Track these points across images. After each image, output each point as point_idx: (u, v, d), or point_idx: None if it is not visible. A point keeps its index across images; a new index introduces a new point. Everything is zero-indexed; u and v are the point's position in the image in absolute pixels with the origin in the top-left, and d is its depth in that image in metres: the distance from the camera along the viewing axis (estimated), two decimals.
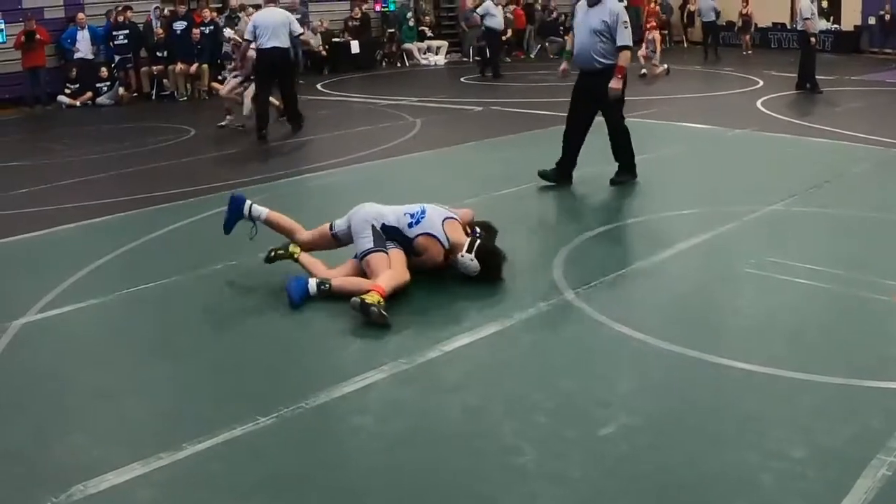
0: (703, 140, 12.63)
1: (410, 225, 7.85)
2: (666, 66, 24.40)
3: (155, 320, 7.45)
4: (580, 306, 7.24)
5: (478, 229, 8.18)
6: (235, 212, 8.38)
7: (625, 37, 10.95)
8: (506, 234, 8.60)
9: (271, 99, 16.81)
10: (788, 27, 31.47)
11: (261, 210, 8.33)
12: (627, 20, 11.03)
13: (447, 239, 7.87)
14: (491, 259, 7.88)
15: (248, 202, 8.40)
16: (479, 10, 26.23)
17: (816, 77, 20.11)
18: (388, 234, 7.82)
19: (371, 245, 7.70)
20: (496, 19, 25.59)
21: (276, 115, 17.00)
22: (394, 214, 7.92)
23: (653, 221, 9.87)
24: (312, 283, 7.51)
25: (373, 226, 7.79)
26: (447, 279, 7.94)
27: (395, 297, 7.38)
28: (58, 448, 5.32)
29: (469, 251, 7.82)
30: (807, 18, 19.90)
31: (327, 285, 7.49)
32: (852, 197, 10.49)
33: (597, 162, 12.34)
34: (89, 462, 5.08)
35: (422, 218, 7.89)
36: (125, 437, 5.42)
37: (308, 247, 8.04)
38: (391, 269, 7.53)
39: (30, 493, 4.81)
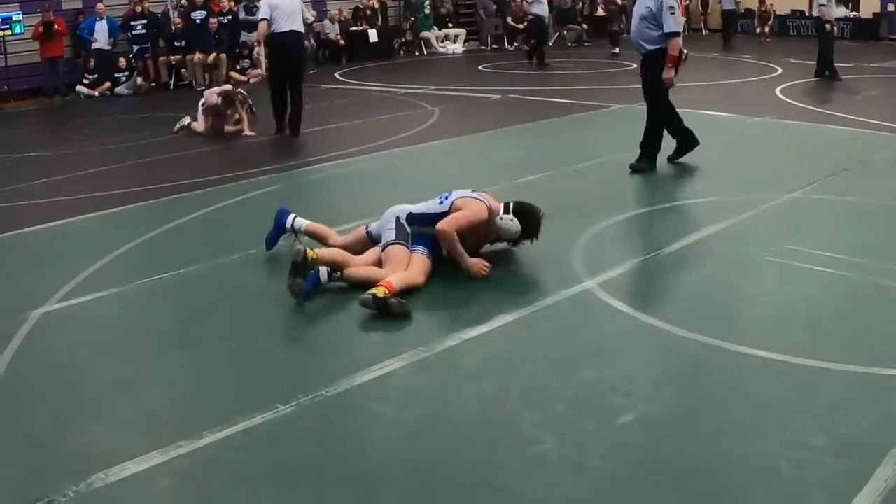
0: (722, 128, 12.59)
1: (441, 202, 7.91)
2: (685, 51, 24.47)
3: (174, 310, 7.47)
4: (599, 295, 7.22)
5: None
6: (280, 226, 8.37)
7: (671, 23, 10.99)
8: None
9: None
10: (807, 14, 31.34)
11: (302, 222, 8.33)
12: (674, 6, 11.04)
13: (483, 198, 7.93)
14: (531, 216, 7.92)
15: (292, 215, 8.38)
16: None
17: (835, 64, 20.02)
18: (419, 221, 7.79)
19: (393, 237, 7.70)
20: (542, 6, 25.33)
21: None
22: (422, 204, 7.97)
23: (672, 209, 9.85)
24: (323, 272, 7.50)
25: (398, 218, 7.79)
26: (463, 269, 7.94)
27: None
28: (77, 437, 5.34)
29: (506, 212, 7.87)
30: (822, 5, 19.91)
31: (339, 273, 7.49)
32: (871, 185, 10.44)
33: (616, 150, 12.34)
34: (109, 451, 5.10)
35: (449, 195, 7.96)
36: (144, 426, 5.44)
37: (345, 249, 8.00)
38: (408, 271, 7.53)
39: (50, 481, 4.82)
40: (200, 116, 15.93)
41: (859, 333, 6.45)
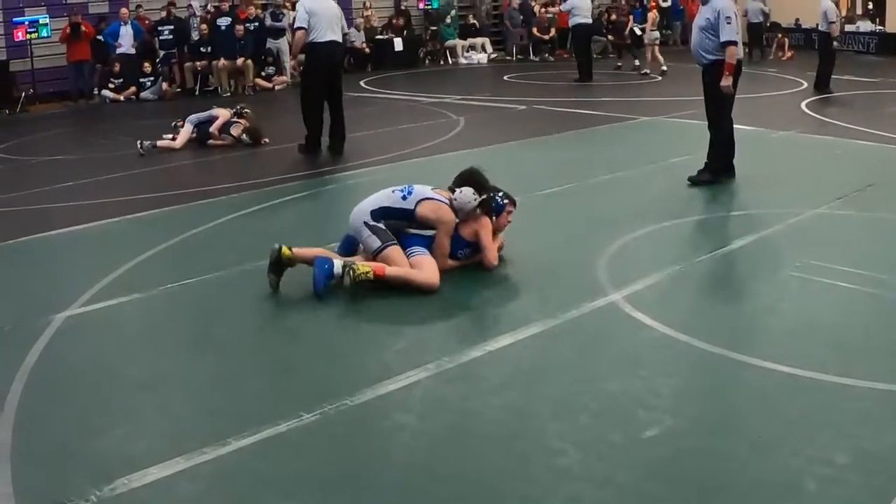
0: (746, 141, 12.53)
1: (404, 198, 7.96)
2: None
3: (198, 315, 7.48)
4: (624, 307, 7.21)
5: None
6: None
7: (727, 32, 10.98)
8: (550, 234, 8.61)
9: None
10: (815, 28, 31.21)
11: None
12: (731, 16, 11.02)
13: (443, 198, 8.01)
14: (470, 175, 8.19)
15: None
16: (563, 6, 25.88)
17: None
18: (390, 216, 7.89)
19: (380, 243, 7.79)
20: (585, 15, 24.64)
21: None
22: (380, 195, 8.05)
23: (697, 223, 9.84)
24: (338, 265, 7.57)
25: (365, 223, 7.86)
26: (489, 279, 7.95)
27: (436, 296, 7.51)
28: (101, 441, 5.34)
29: (457, 186, 8.09)
30: (832, 22, 19.97)
31: (347, 267, 7.50)
32: None
33: (642, 162, 12.34)
34: (133, 455, 5.10)
35: (412, 190, 8.02)
36: (169, 431, 5.45)
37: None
38: (415, 269, 7.67)
39: (74, 485, 4.83)
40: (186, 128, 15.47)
41: (884, 350, 6.41)
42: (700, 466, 4.94)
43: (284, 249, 7.68)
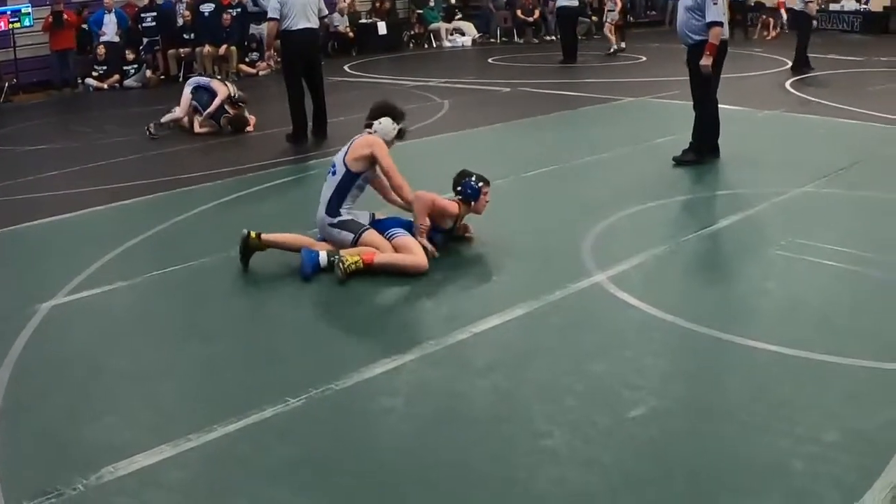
0: (731, 121, 12.54)
1: (333, 173, 8.09)
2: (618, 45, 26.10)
3: (184, 303, 7.47)
4: (609, 288, 7.21)
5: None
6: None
7: (713, 13, 10.97)
8: (536, 216, 8.61)
9: None
10: (818, 8, 31.22)
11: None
12: None
13: (357, 145, 8.11)
14: (390, 105, 8.45)
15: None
16: None
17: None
18: (341, 195, 8.01)
19: (352, 234, 7.89)
20: None
21: None
22: (323, 191, 8.13)
23: (682, 203, 9.83)
24: (323, 256, 7.70)
25: (329, 224, 7.99)
26: (474, 262, 7.95)
27: (422, 277, 7.53)
28: (87, 430, 5.34)
29: (373, 118, 8.29)
30: (809, 2, 20.03)
31: (335, 257, 7.56)
32: (882, 178, 10.40)
33: (626, 143, 12.34)
34: (119, 444, 5.10)
35: (334, 161, 8.20)
36: (154, 419, 5.44)
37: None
38: (401, 252, 7.74)
39: (59, 474, 4.82)
40: (186, 93, 15.44)
41: (870, 328, 6.42)
42: (686, 447, 4.95)
43: (252, 235, 7.89)
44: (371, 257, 7.52)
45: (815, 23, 20.55)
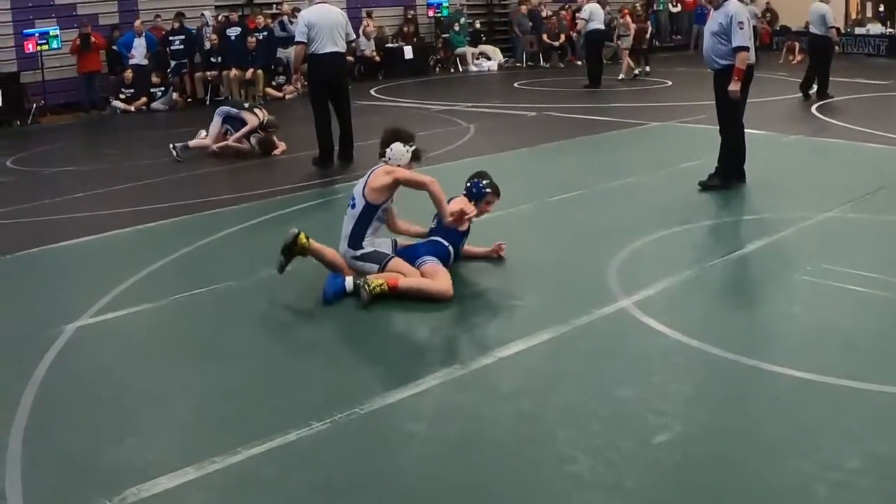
0: (757, 146, 12.49)
1: (353, 206, 8.02)
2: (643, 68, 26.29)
3: (209, 325, 7.49)
4: (635, 313, 7.19)
5: None
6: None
7: (739, 38, 10.96)
8: (561, 241, 8.60)
9: None
10: (843, 32, 31.14)
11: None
12: (743, 21, 11.01)
13: (375, 176, 8.04)
14: (387, 131, 8.29)
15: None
16: (582, 13, 25.70)
17: (811, 85, 19.98)
18: (363, 226, 7.95)
19: (377, 264, 7.84)
20: (599, 22, 24.59)
21: None
22: (344, 225, 8.07)
23: (708, 228, 9.81)
24: (349, 280, 7.68)
25: (353, 258, 7.93)
26: (500, 286, 7.95)
27: (446, 303, 7.53)
28: (111, 451, 5.34)
29: (384, 147, 8.18)
30: (832, 27, 19.80)
31: (362, 281, 7.55)
32: None
33: (652, 168, 12.32)
34: (143, 465, 5.10)
35: (353, 194, 8.13)
36: (179, 441, 5.45)
37: None
38: (430, 280, 7.71)
39: (83, 496, 4.84)
40: (216, 122, 15.50)
41: (894, 353, 6.39)
42: (711, 472, 4.92)
43: (302, 236, 7.84)
44: (396, 282, 7.53)
45: (838, 48, 20.37)
